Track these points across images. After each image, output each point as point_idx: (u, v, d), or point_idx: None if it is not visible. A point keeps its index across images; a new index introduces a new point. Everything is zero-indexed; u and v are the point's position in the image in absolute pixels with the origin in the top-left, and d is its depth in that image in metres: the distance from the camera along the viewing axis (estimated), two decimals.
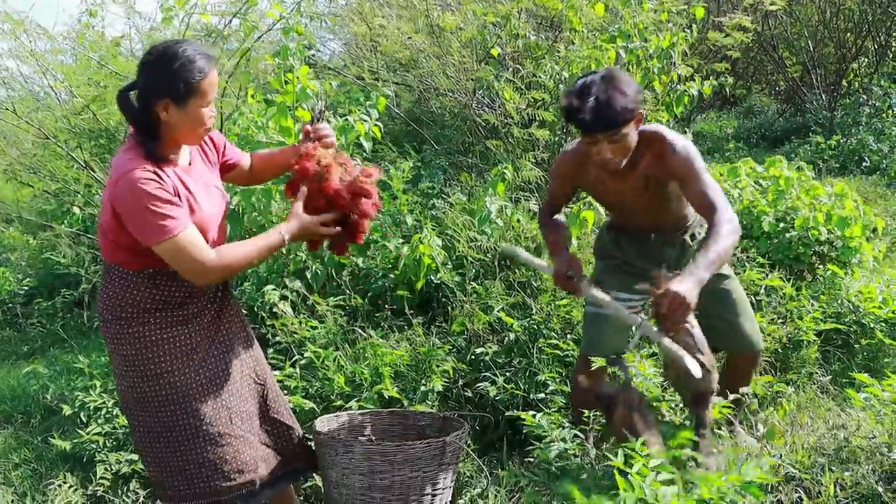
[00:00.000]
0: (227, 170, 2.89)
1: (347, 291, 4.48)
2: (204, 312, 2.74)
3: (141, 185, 2.41)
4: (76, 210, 6.24)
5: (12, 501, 3.59)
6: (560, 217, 3.27)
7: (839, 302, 4.35)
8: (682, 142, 2.83)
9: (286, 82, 4.22)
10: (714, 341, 3.24)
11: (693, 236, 3.15)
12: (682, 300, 2.31)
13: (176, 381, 2.65)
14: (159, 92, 2.47)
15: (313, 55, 9.37)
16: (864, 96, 10.63)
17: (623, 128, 2.70)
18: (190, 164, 2.65)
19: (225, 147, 2.86)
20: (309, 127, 2.82)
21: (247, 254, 2.61)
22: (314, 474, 3.44)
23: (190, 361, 2.67)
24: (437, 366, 3.78)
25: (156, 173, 2.45)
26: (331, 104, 2.91)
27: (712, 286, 3.12)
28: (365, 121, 4.51)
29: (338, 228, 2.74)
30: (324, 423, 3.15)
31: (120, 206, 2.46)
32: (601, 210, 4.58)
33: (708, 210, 2.68)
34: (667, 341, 2.47)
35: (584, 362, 3.17)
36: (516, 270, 4.48)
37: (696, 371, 2.40)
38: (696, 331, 2.40)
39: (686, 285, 2.34)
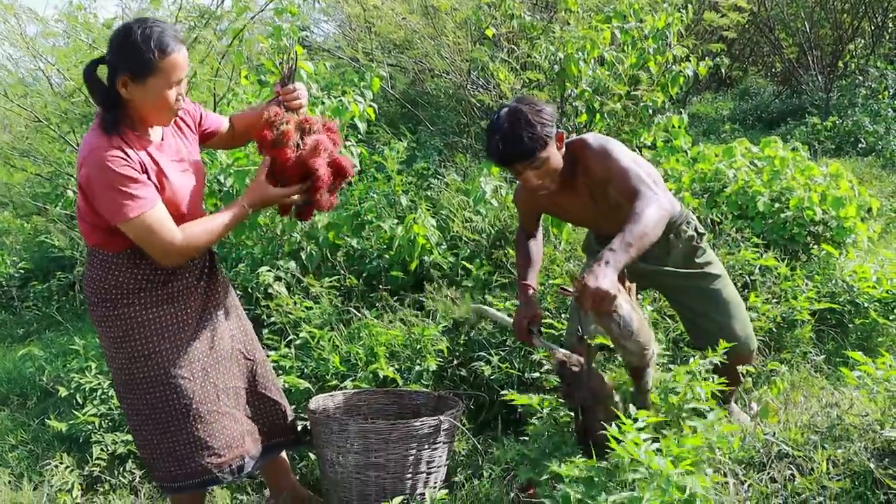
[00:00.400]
0: (206, 138, 2.86)
1: (342, 272, 4.48)
2: (191, 290, 2.73)
3: (108, 164, 2.38)
4: (70, 193, 6.23)
5: (9, 482, 3.60)
6: (536, 242, 3.26)
7: (833, 282, 4.35)
8: (600, 143, 2.80)
9: (280, 63, 4.20)
10: (702, 341, 3.22)
11: (678, 234, 3.07)
12: (603, 293, 2.28)
13: (163, 362, 2.65)
14: (119, 67, 2.43)
15: (307, 36, 9.34)
16: (860, 77, 10.61)
17: (539, 154, 2.68)
18: (162, 139, 2.62)
19: (202, 116, 2.82)
20: (278, 88, 2.78)
21: (212, 230, 2.60)
22: (309, 452, 3.45)
23: (178, 341, 2.67)
24: (432, 345, 3.78)
25: (122, 150, 2.42)
26: (294, 64, 2.83)
27: (701, 286, 3.09)
28: (359, 102, 4.50)
29: (298, 197, 2.72)
30: (319, 403, 3.16)
31: (87, 184, 2.44)
32: None
33: (631, 199, 2.59)
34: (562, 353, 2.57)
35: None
36: (512, 250, 4.48)
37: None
38: (624, 315, 2.38)
39: (601, 278, 2.29)
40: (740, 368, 3.10)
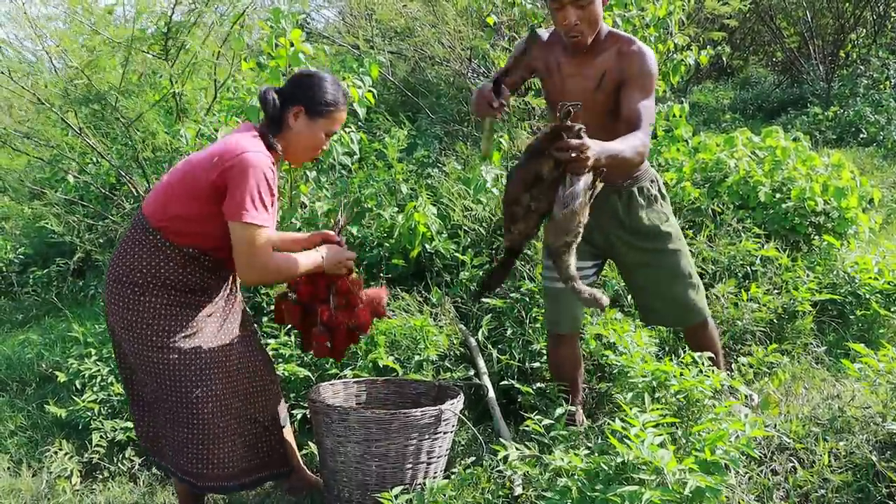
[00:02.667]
0: None
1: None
2: (214, 303, 2.81)
3: (264, 171, 2.56)
4: (70, 178, 6.20)
5: (8, 468, 3.59)
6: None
7: (835, 273, 4.34)
8: (649, 52, 2.84)
9: (278, 45, 4.18)
10: (652, 318, 3.21)
11: (642, 190, 3.04)
12: (579, 146, 2.30)
13: (176, 359, 2.67)
14: (298, 99, 2.73)
15: (308, 22, 9.29)
16: (861, 67, 10.58)
17: None
18: None
19: None
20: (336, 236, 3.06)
21: (293, 265, 2.73)
22: (309, 441, 3.45)
23: (192, 343, 2.70)
24: (434, 337, 3.77)
25: (273, 167, 2.63)
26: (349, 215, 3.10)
27: (660, 262, 3.04)
28: (359, 87, 4.48)
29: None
30: (319, 392, 3.15)
31: (233, 177, 2.55)
32: None
33: (633, 122, 2.70)
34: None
35: (558, 339, 3.17)
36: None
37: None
38: (576, 187, 2.43)
39: (593, 143, 2.35)
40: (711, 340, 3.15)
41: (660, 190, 3.09)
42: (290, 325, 3.20)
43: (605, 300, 2.54)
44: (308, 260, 2.78)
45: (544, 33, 3.03)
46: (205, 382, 2.70)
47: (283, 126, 2.74)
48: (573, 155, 2.30)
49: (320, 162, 4.44)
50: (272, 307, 4.05)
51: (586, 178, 2.44)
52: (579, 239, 2.53)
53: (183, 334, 2.68)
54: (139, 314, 2.65)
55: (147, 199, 2.75)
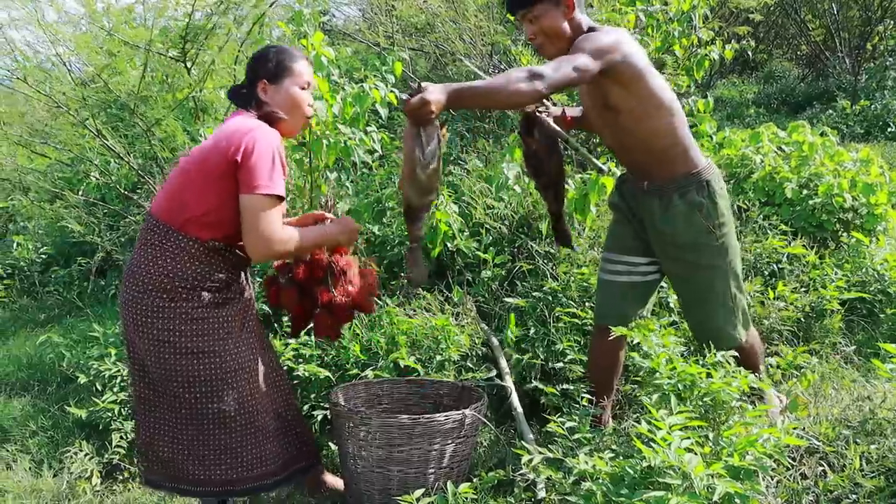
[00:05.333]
0: None
1: (362, 259, 4.42)
2: (238, 299, 2.78)
3: (275, 144, 2.60)
4: (92, 178, 6.21)
5: (30, 468, 3.60)
6: None
7: (864, 270, 4.27)
8: (598, 31, 2.77)
9: (301, 49, 4.14)
10: (693, 332, 3.16)
11: (684, 195, 2.84)
12: (419, 104, 2.39)
13: (210, 363, 2.65)
14: (258, 76, 2.76)
15: (328, 20, 9.28)
16: (890, 60, 10.44)
17: (533, 7, 2.76)
18: None
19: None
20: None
21: (301, 238, 2.70)
22: (329, 442, 3.43)
23: (226, 345, 2.68)
24: (455, 336, 3.73)
25: (281, 142, 2.69)
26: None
27: (689, 274, 2.95)
28: (380, 88, 4.43)
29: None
30: (340, 394, 3.12)
31: (249, 150, 2.54)
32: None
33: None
34: None
35: (599, 332, 3.12)
36: (533, 242, 4.41)
37: None
38: (431, 146, 2.56)
39: (431, 91, 2.41)
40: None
41: (710, 196, 2.85)
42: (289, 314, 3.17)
43: (423, 279, 2.86)
44: (313, 234, 2.81)
45: None
46: (234, 386, 2.68)
47: (261, 104, 2.74)
48: (413, 107, 2.40)
49: (341, 161, 4.40)
50: None
51: (437, 132, 2.54)
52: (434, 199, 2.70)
53: (216, 337, 2.66)
54: (170, 321, 2.62)
55: (157, 204, 2.72)
